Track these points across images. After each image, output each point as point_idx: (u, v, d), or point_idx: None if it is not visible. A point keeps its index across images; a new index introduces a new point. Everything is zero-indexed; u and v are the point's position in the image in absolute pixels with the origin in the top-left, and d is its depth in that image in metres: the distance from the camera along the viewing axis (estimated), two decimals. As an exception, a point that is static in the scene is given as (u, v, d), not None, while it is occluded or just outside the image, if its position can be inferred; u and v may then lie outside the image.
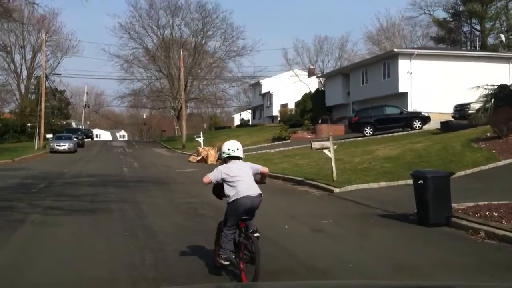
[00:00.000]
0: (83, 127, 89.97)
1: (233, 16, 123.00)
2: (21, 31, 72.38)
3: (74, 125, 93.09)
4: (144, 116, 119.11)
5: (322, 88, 54.01)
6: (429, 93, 36.59)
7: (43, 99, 51.16)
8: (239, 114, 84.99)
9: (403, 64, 37.33)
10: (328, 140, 16.96)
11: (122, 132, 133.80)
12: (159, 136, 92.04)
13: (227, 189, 6.74)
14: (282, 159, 27.16)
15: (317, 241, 8.97)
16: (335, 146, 17.10)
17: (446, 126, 30.58)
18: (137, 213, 11.38)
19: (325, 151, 16.83)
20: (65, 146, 43.86)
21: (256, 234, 6.56)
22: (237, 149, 6.98)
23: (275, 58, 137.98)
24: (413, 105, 36.99)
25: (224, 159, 7.02)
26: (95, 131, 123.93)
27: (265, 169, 7.32)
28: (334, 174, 16.78)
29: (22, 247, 8.19)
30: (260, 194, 6.86)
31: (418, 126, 33.70)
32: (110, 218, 10.61)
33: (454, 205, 10.84)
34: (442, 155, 19.41)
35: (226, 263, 6.52)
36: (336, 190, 15.60)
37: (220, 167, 6.91)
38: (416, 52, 37.80)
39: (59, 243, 8.44)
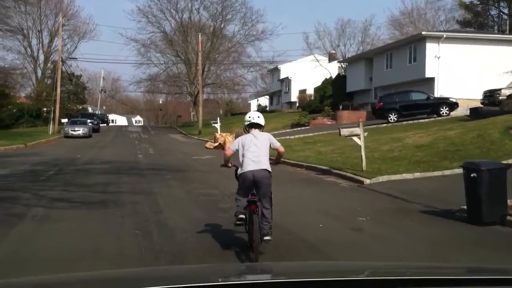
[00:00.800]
0: (99, 112, 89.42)
1: None
2: (39, 15, 71.72)
3: (90, 110, 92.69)
4: (160, 102, 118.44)
5: (343, 74, 52.44)
6: (456, 78, 34.96)
7: (58, 83, 50.34)
8: (256, 100, 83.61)
9: (431, 48, 35.68)
10: (357, 126, 15.64)
11: (138, 118, 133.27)
12: (175, 122, 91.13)
13: (240, 159, 7.03)
14: (303, 146, 25.93)
15: (359, 245, 7.74)
16: (366, 133, 15.78)
17: (475, 113, 29.02)
18: (151, 207, 10.20)
19: (354, 138, 15.55)
20: (79, 131, 43.05)
21: (266, 238, 6.66)
22: (258, 117, 7.25)
23: (295, 43, 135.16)
24: (439, 91, 35.40)
25: (245, 127, 7.31)
26: (111, 116, 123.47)
27: (281, 148, 7.44)
28: (364, 164, 15.51)
29: (16, 248, 7.06)
30: (266, 169, 6.93)
31: (446, 113, 32.16)
32: (121, 213, 9.45)
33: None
34: (479, 143, 18.00)
35: (241, 216, 6.85)
36: (367, 181, 14.34)
37: (240, 137, 7.27)
38: (444, 36, 36.11)
39: (56, 248, 7.15)
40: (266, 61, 61.60)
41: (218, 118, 40.60)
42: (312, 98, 56.87)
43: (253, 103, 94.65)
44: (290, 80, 65.63)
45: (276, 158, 7.72)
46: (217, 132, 35.07)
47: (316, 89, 53.97)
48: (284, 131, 40.04)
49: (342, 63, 55.56)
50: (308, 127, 40.77)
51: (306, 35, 77.23)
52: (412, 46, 37.59)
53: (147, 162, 20.50)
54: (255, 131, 7.13)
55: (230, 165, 7.47)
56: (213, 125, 39.76)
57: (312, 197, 12.37)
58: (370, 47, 57.14)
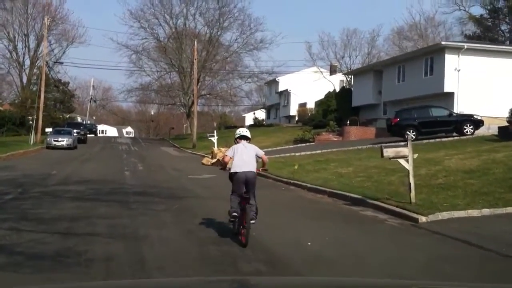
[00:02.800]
0: (88, 122, 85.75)
1: (252, 5, 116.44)
2: (25, 18, 68.14)
3: (79, 119, 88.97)
4: (152, 113, 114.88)
5: (348, 87, 49.27)
6: (478, 94, 31.85)
7: (42, 89, 46.88)
8: (252, 113, 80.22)
9: (450, 60, 32.54)
10: (404, 145, 12.21)
11: (129, 129, 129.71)
12: (167, 134, 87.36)
13: (232, 163, 8.79)
14: (316, 165, 22.52)
15: None
16: (416, 155, 12.35)
17: (505, 133, 25.85)
18: (134, 268, 6.51)
19: (401, 161, 12.11)
20: (63, 141, 39.46)
21: (252, 221, 8.39)
22: (246, 131, 9.20)
23: (296, 53, 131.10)
24: (459, 107, 32.22)
25: (235, 139, 9.09)
26: (101, 127, 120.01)
27: (265, 157, 9.30)
28: (413, 194, 12.06)
29: None
30: (252, 171, 8.71)
31: (469, 131, 28.92)
32: (84, 280, 5.86)
33: None
34: (543, 169, 14.66)
35: (234, 214, 8.58)
36: (422, 218, 10.89)
37: (233, 146, 9.01)
38: (465, 47, 32.98)
39: None
40: (265, 72, 58.26)
41: (215, 131, 37.17)
42: (313, 112, 53.69)
43: (248, 117, 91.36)
44: (290, 92, 62.45)
45: (263, 166, 9.43)
46: (214, 147, 31.55)
47: (319, 103, 50.69)
48: (287, 147, 36.67)
49: (347, 76, 52.38)
50: (313, 143, 37.44)
51: (309, 45, 73.98)
52: (428, 57, 34.44)
53: (134, 183, 16.90)
54: (244, 142, 8.87)
55: (227, 169, 9.04)
56: (209, 138, 36.28)
57: (361, 244, 8.87)
58: (377, 60, 54.02)
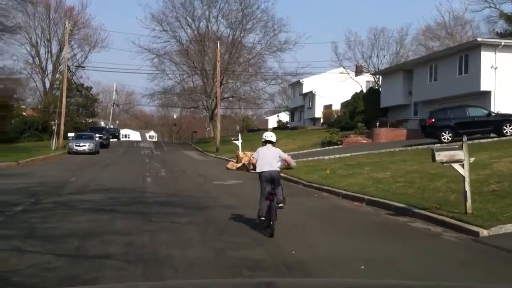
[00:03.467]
0: (111, 127, 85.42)
1: (276, 6, 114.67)
2: (48, 23, 67.98)
3: (102, 124, 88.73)
4: (175, 117, 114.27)
5: (376, 87, 47.70)
6: (516, 92, 30.15)
7: (64, 93, 46.29)
8: (276, 115, 78.92)
9: (487, 57, 30.85)
10: (458, 148, 10.78)
11: (152, 133, 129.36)
12: (189, 138, 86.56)
13: (258, 164, 9.78)
14: (348, 169, 21.13)
15: None
16: (472, 159, 10.92)
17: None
18: None
19: (455, 166, 10.69)
20: (85, 146, 38.73)
21: (280, 205, 9.61)
22: (271, 136, 10.17)
23: (320, 54, 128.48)
24: (496, 106, 30.52)
25: (262, 142, 10.09)
26: (124, 131, 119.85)
27: (288, 158, 10.32)
28: (469, 203, 10.64)
29: None
30: (276, 170, 9.80)
31: (510, 132, 27.22)
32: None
33: None
34: None
35: (262, 218, 9.39)
36: (484, 232, 9.48)
37: (258, 148, 10.11)
38: (503, 43, 31.27)
39: None
40: (289, 73, 56.87)
41: (240, 135, 35.97)
42: (339, 114, 52.21)
43: (272, 119, 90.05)
44: (314, 94, 60.96)
45: (286, 166, 10.88)
46: (239, 150, 30.30)
47: (345, 104, 49.23)
48: (314, 149, 35.27)
49: (375, 76, 50.76)
50: (341, 146, 36.04)
51: (335, 45, 71.94)
52: (463, 55, 32.77)
53: (156, 191, 15.72)
54: (269, 145, 10.03)
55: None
56: (233, 142, 35.12)
57: (422, 267, 7.46)
58: (405, 59, 52.29)
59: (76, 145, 38.91)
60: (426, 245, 8.98)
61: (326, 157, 28.51)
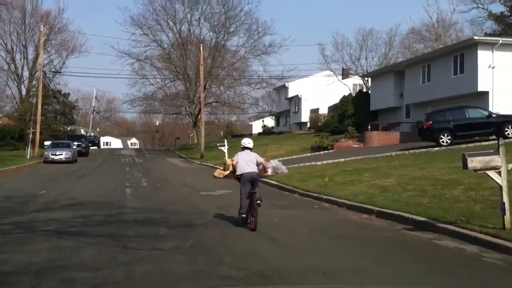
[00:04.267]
0: (92, 134, 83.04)
1: (259, 8, 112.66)
2: (23, 29, 65.47)
3: (82, 131, 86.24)
4: (157, 123, 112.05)
5: (365, 90, 46.26)
6: (514, 93, 28.82)
7: (39, 100, 44.04)
8: (261, 120, 77.23)
9: (484, 56, 29.49)
10: (493, 153, 9.07)
11: (134, 140, 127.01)
12: (172, 144, 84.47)
13: (239, 167, 10.81)
14: (346, 176, 19.46)
15: None
16: (511, 166, 9.21)
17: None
18: None
19: (491, 173, 8.99)
20: (61, 155, 36.65)
21: (258, 201, 10.31)
22: (248, 143, 11.28)
23: (307, 57, 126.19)
24: (494, 107, 29.15)
25: (241, 148, 11.17)
26: (106, 139, 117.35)
27: (265, 162, 11.64)
28: (507, 217, 8.95)
29: None
30: (255, 172, 10.85)
31: (511, 133, 25.85)
32: None
33: None
34: None
35: (243, 215, 10.48)
36: (533, 253, 7.81)
37: (238, 153, 11.12)
38: (500, 41, 29.95)
39: None
40: (275, 77, 55.16)
41: (226, 141, 34.16)
42: (326, 118, 50.70)
43: (256, 124, 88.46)
44: (300, 98, 59.46)
45: (264, 170, 11.67)
46: (226, 157, 28.36)
47: (333, 108, 47.70)
48: (304, 155, 33.61)
49: (363, 78, 49.34)
50: (332, 150, 34.46)
51: (322, 47, 69.10)
52: (458, 54, 31.40)
53: (136, 205, 13.79)
54: (247, 151, 11.09)
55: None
56: (219, 148, 33.31)
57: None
58: (394, 61, 50.96)
59: (52, 154, 36.83)
60: (469, 273, 7.26)
61: (319, 163, 26.88)
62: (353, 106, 42.77)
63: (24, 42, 65.60)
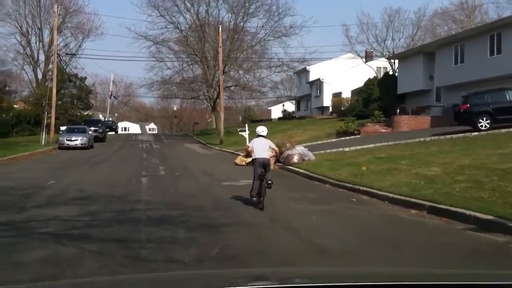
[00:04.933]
0: (109, 119, 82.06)
1: None
2: (38, 11, 64.28)
3: (101, 116, 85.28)
4: (175, 109, 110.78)
5: (391, 72, 44.21)
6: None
7: (54, 84, 42.72)
8: (281, 105, 75.37)
9: (524, 35, 27.36)
10: None
11: (152, 125, 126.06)
12: (190, 130, 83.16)
13: (253, 152, 11.65)
14: (381, 164, 17.75)
15: None
16: None
17: None
18: None
19: None
20: (76, 141, 35.41)
21: (269, 181, 11.33)
22: (262, 131, 12.12)
23: (329, 39, 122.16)
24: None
25: (256, 135, 12.14)
26: (124, 124, 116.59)
27: (276, 148, 13.11)
28: None
29: None
30: (267, 158, 11.64)
31: (559, 118, 23.87)
32: None
33: None
34: None
35: (254, 198, 11.19)
36: None
37: (253, 139, 12.18)
38: (542, 18, 27.77)
39: None
40: (296, 59, 53.22)
41: (247, 125, 32.57)
42: (349, 102, 48.80)
43: (275, 109, 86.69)
44: (322, 82, 57.42)
45: (275, 154, 13.67)
46: (247, 143, 26.75)
47: (357, 91, 45.71)
48: (330, 140, 31.91)
49: (390, 60, 47.22)
50: (358, 136, 32.71)
51: (346, 28, 64.52)
52: (495, 34, 29.25)
53: (152, 199, 12.23)
54: (261, 138, 11.96)
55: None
56: (240, 133, 31.80)
57: None
58: (421, 43, 48.64)
59: (67, 140, 35.60)
60: None
61: (347, 149, 25.17)
62: (379, 89, 40.76)
63: (39, 25, 64.51)
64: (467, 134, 23.87)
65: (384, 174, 15.59)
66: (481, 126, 24.23)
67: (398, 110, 34.75)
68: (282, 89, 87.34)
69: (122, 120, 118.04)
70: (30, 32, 64.22)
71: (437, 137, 24.46)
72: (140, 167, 21.69)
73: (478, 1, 53.29)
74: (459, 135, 24.01)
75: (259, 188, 11.02)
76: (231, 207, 11.08)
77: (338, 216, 10.39)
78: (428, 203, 10.97)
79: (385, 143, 24.91)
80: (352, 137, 32.54)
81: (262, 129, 12.20)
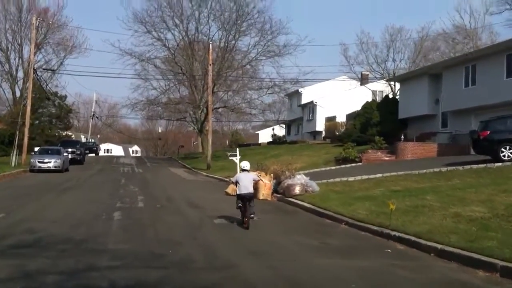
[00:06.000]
0: (91, 140, 78.59)
1: (274, 5, 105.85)
2: (19, 26, 61.13)
3: (83, 138, 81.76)
4: (160, 131, 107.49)
5: (391, 95, 41.67)
6: None
7: (29, 100, 39.45)
8: (271, 128, 72.52)
9: (545, 55, 24.88)
10: None
11: (136, 147, 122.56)
12: (175, 153, 79.77)
13: (237, 187, 12.39)
14: (404, 200, 14.89)
15: None
16: None
17: None
18: None
19: None
20: (49, 163, 32.17)
21: (251, 215, 12.06)
22: (246, 165, 12.93)
23: (325, 59, 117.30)
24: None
25: (240, 170, 13.58)
26: (107, 146, 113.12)
27: (259, 180, 14.87)
28: None
29: None
30: (251, 192, 12.42)
31: None
32: None
33: None
34: None
35: (240, 205, 12.22)
36: None
37: (237, 175, 13.13)
38: None
39: None
40: (290, 80, 50.42)
41: (238, 150, 29.55)
42: (344, 126, 46.11)
43: (262, 134, 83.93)
44: (315, 105, 54.85)
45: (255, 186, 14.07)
46: (238, 168, 23.64)
47: (354, 115, 43.07)
48: (329, 168, 29.02)
49: (389, 82, 44.72)
50: (360, 163, 29.89)
51: (344, 47, 60.27)
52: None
53: (121, 247, 8.94)
54: (245, 172, 12.71)
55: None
56: (230, 158, 28.71)
57: None
58: (423, 65, 46.29)
59: (39, 162, 32.31)
60: None
61: (351, 179, 22.28)
62: (378, 113, 38.12)
63: (19, 41, 61.26)
64: (489, 164, 21.06)
65: (414, 214, 12.64)
66: (504, 156, 21.50)
67: (402, 137, 32.03)
68: (270, 113, 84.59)
69: (105, 142, 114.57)
70: (9, 48, 61.03)
71: (454, 167, 21.62)
72: (115, 196, 18.49)
73: (480, 23, 51.26)
74: (480, 165, 21.18)
75: (243, 214, 12.20)
76: (231, 263, 7.97)
77: (386, 282, 7.35)
78: (501, 263, 8.00)
79: (394, 173, 22.05)
80: (353, 164, 29.70)
81: (245, 164, 13.02)
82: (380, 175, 22.36)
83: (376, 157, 30.82)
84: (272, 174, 20.31)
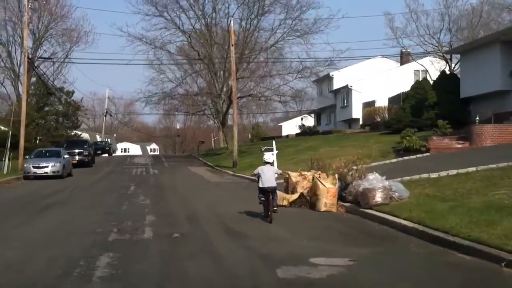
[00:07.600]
0: (104, 140, 73.55)
1: None
2: (20, 18, 55.84)
3: (98, 137, 76.75)
4: (178, 127, 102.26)
5: (449, 71, 35.40)
6: None
7: (24, 95, 34.22)
8: (300, 118, 66.34)
9: None
10: None
11: (154, 145, 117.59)
12: (195, 150, 74.20)
13: (260, 180, 12.07)
14: None
15: None
16: None
17: None
18: None
19: None
20: (46, 167, 26.85)
21: (274, 208, 11.91)
22: (269, 158, 12.66)
23: (363, 35, 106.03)
24: None
25: (263, 162, 12.44)
26: (124, 145, 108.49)
27: (279, 172, 13.55)
28: None
29: None
30: (275, 185, 12.03)
31: None
32: None
33: None
34: None
35: (262, 199, 12.01)
36: None
37: (258, 168, 12.31)
38: None
39: None
40: (324, 59, 43.93)
41: (274, 142, 23.67)
42: (386, 111, 40.09)
43: (286, 125, 78.22)
44: (351, 89, 48.76)
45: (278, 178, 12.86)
46: (288, 171, 17.41)
47: (401, 98, 37.01)
48: (389, 161, 23.09)
49: (446, 55, 38.37)
50: (427, 154, 24.04)
51: (390, 17, 51.60)
52: None
53: None
54: (268, 165, 12.31)
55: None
56: (264, 153, 22.74)
57: None
58: (483, 34, 39.66)
59: (34, 166, 26.96)
60: None
61: (434, 175, 16.43)
62: (435, 93, 31.94)
63: (21, 33, 55.92)
64: None
65: None
66: None
67: (477, 118, 25.87)
68: (293, 103, 78.16)
69: (122, 141, 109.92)
70: (11, 42, 55.85)
71: None
72: (113, 217, 12.68)
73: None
74: None
75: (266, 208, 11.91)
76: None
77: None
78: None
79: (493, 165, 16.26)
80: (419, 155, 23.85)
81: (268, 157, 12.71)
82: (473, 168, 16.67)
83: (446, 145, 24.92)
84: (336, 175, 14.35)
